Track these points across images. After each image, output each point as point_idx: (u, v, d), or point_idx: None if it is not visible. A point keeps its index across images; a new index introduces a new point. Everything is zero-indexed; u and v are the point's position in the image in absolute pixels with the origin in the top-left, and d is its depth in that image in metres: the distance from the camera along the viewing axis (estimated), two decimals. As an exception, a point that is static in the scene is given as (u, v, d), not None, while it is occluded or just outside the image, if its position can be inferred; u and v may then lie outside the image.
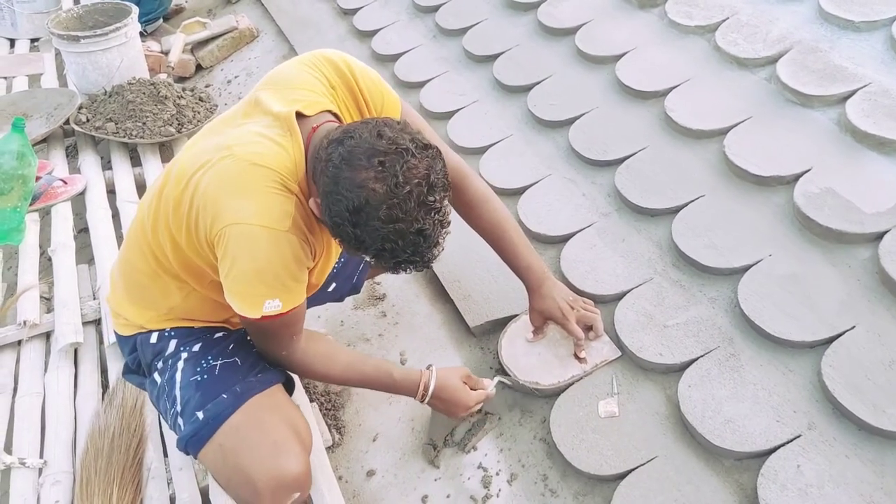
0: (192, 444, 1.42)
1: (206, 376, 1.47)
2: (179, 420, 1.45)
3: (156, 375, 1.52)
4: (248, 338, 1.55)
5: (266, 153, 1.27)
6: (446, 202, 1.20)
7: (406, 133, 1.18)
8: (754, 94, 2.01)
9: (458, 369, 1.60)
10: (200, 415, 1.41)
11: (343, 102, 1.43)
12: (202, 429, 1.41)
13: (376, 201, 1.12)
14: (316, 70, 1.41)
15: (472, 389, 1.58)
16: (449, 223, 1.22)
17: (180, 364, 1.49)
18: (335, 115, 1.39)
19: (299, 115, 1.33)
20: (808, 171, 1.75)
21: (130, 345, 1.58)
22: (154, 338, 1.53)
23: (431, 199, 1.15)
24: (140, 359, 1.57)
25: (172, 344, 1.52)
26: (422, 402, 1.56)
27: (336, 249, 1.51)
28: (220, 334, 1.56)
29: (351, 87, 1.43)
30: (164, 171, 1.47)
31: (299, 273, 1.33)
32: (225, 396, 1.43)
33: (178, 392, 1.47)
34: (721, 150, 1.89)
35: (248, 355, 1.53)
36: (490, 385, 1.62)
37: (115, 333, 1.62)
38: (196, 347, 1.52)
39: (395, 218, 1.13)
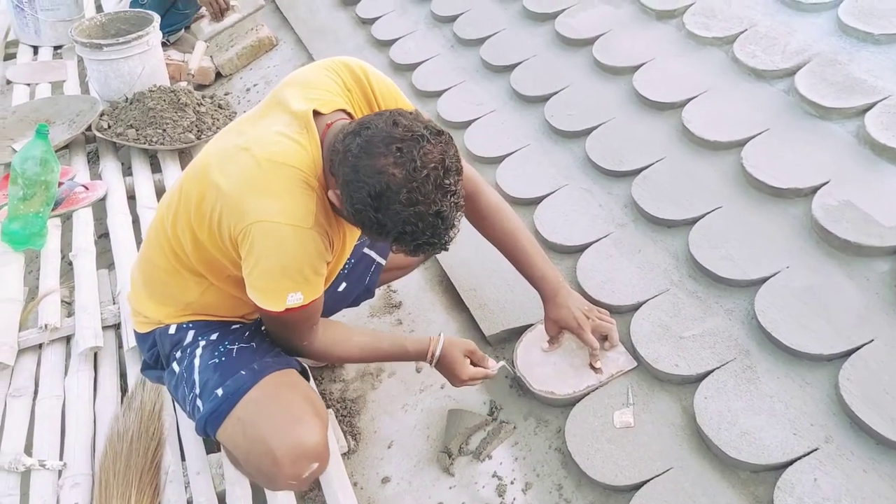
0: (212, 420, 1.45)
1: (223, 359, 1.51)
2: (198, 402, 1.49)
3: (174, 365, 1.56)
4: (265, 328, 1.60)
5: (286, 151, 1.32)
6: (460, 185, 1.24)
7: (419, 121, 1.24)
8: (772, 105, 2.01)
9: (464, 343, 1.65)
10: (220, 391, 1.45)
11: (357, 104, 1.48)
12: (222, 404, 1.44)
13: (396, 185, 1.17)
14: (334, 73, 1.47)
15: (475, 364, 1.65)
16: (463, 206, 1.26)
17: (198, 351, 1.53)
18: (349, 113, 1.44)
19: (315, 113, 1.37)
20: (827, 183, 1.74)
21: (149, 341, 1.61)
22: (172, 329, 1.57)
23: (447, 182, 1.20)
24: (159, 351, 1.60)
25: (190, 334, 1.56)
26: (430, 365, 1.64)
27: (350, 243, 1.55)
28: (236, 325, 1.60)
29: (365, 92, 1.49)
30: (185, 170, 1.52)
31: (320, 267, 1.38)
32: (243, 373, 1.47)
33: (196, 376, 1.51)
34: (738, 161, 1.89)
35: (263, 341, 1.59)
36: (494, 366, 1.66)
37: (135, 332, 1.66)
38: (213, 336, 1.56)
39: (415, 201, 1.18)
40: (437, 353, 1.61)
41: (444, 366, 1.63)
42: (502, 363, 1.70)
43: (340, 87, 1.45)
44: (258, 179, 1.30)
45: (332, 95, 1.42)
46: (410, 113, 1.26)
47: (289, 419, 1.42)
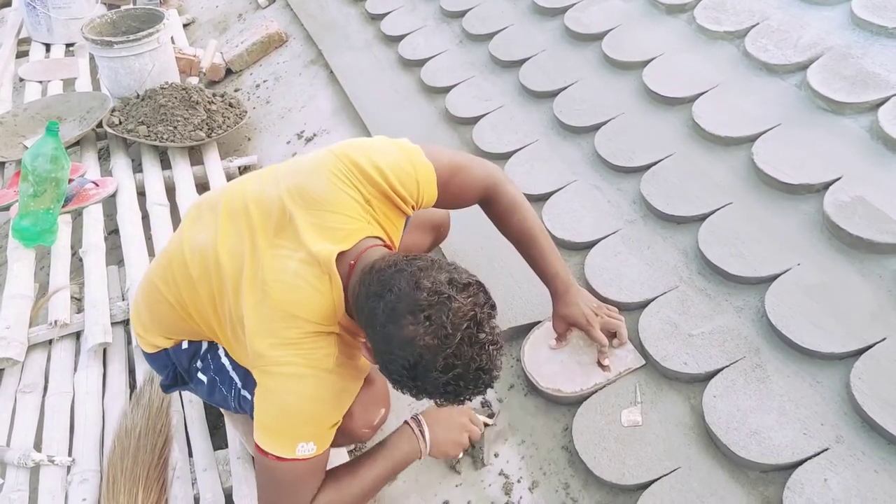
0: None
1: None
2: (243, 393, 1.49)
3: (199, 375, 1.55)
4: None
5: (302, 301, 1.26)
6: (496, 327, 1.19)
7: (443, 273, 1.17)
8: (784, 100, 1.99)
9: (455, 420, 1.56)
10: None
11: (381, 213, 1.38)
12: None
13: (430, 355, 1.12)
14: (348, 185, 1.35)
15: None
16: (502, 345, 1.21)
17: (221, 352, 1.53)
18: (374, 235, 1.36)
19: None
20: (839, 179, 1.72)
21: (161, 360, 1.59)
22: (185, 344, 1.55)
23: (482, 335, 1.15)
24: (177, 367, 1.58)
25: (205, 343, 1.55)
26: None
27: None
28: None
29: (385, 192, 1.38)
30: (199, 201, 1.49)
31: (337, 414, 1.32)
32: None
33: (233, 373, 1.50)
34: (749, 157, 1.87)
35: None
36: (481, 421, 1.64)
37: (143, 353, 1.61)
38: None
39: (452, 366, 1.13)
40: (427, 447, 1.50)
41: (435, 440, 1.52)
42: (486, 421, 1.67)
43: (359, 204, 1.35)
44: (274, 330, 1.26)
45: (353, 222, 1.33)
46: (432, 263, 1.18)
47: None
